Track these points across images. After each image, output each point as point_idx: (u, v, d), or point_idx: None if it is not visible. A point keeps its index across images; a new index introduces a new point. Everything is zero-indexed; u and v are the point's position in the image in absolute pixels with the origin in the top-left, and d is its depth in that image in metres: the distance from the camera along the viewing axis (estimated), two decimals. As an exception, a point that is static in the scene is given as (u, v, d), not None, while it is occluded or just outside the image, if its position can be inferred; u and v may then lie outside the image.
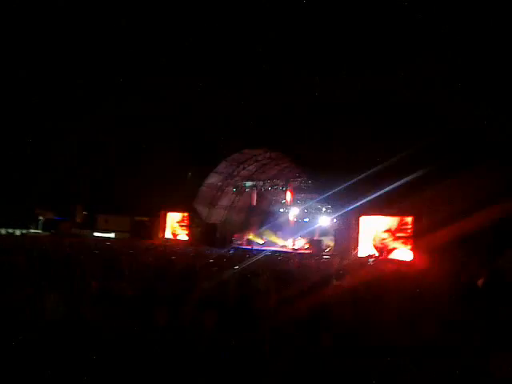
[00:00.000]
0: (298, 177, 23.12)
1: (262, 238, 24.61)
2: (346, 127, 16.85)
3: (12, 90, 23.03)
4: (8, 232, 22.84)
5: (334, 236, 20.47)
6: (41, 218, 28.61)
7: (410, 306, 2.66)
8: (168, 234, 26.80)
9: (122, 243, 17.40)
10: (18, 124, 25.11)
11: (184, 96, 22.62)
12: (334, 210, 20.32)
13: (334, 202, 19.21)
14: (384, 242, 18.02)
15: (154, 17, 20.40)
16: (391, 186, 14.81)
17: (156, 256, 10.20)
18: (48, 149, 26.94)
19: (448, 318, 2.61)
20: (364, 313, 2.85)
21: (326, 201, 20.32)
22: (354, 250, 18.58)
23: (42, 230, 27.50)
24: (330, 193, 17.60)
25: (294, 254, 17.10)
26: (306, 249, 21.62)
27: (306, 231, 23.05)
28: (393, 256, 17.17)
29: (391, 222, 17.94)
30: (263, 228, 25.11)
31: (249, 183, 25.29)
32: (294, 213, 24.25)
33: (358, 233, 18.86)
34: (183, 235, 25.93)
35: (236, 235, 24.33)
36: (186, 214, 26.13)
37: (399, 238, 17.69)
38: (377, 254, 17.35)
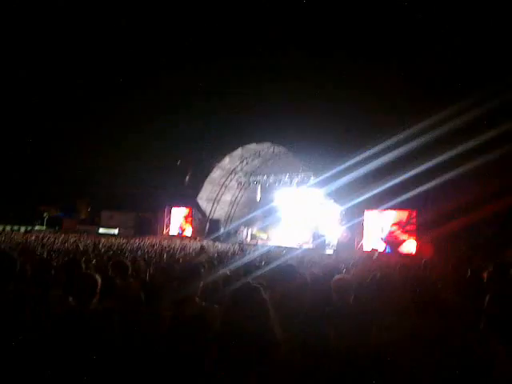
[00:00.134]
0: (302, 171, 23.05)
1: (265, 233, 24.62)
2: (349, 122, 16.77)
3: (11, 90, 23.11)
4: (13, 229, 22.99)
5: (339, 231, 20.42)
6: (45, 214, 28.76)
7: (412, 298, 2.63)
8: (173, 230, 26.85)
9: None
10: (21, 122, 25.20)
11: (186, 90, 22.61)
12: (338, 205, 20.23)
13: (338, 196, 19.13)
14: (388, 235, 18.00)
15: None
16: (396, 180, 14.72)
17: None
18: (52, 146, 27.03)
19: (451, 311, 2.57)
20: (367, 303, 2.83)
21: (330, 195, 20.23)
22: (359, 244, 18.57)
23: (47, 226, 27.66)
24: (334, 186, 17.53)
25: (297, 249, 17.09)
26: (309, 243, 21.59)
27: (309, 226, 23.00)
28: (398, 249, 17.15)
29: (395, 215, 17.89)
30: (267, 223, 25.10)
31: (252, 178, 25.27)
32: (297, 207, 24.21)
33: (362, 227, 18.83)
34: (188, 230, 26.02)
35: (240, 230, 24.34)
36: (189, 210, 26.20)
37: (404, 231, 17.66)
38: (381, 249, 17.32)
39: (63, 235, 16.12)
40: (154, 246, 13.51)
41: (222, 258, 8.69)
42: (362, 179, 15.78)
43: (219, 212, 26.39)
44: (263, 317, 1.83)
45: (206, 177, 24.67)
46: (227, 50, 20.76)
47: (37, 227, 26.31)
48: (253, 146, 23.43)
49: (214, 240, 21.68)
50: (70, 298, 2.67)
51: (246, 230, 24.20)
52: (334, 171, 16.86)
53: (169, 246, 13.39)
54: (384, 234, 18.12)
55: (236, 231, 24.02)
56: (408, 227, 17.53)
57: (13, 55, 21.86)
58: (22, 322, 2.35)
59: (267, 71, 20.03)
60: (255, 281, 3.67)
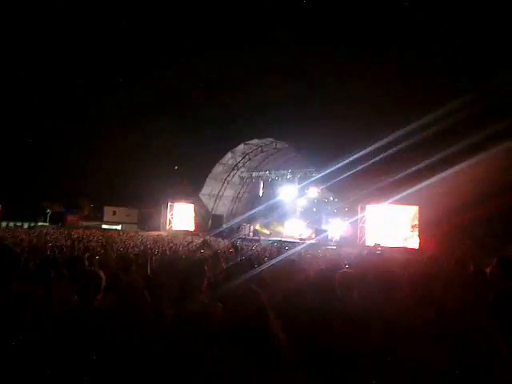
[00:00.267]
0: (305, 167, 22.99)
1: (268, 229, 24.61)
2: (351, 117, 16.70)
3: (11, 90, 23.14)
4: (16, 225, 23.08)
5: (341, 226, 20.42)
6: (48, 210, 28.83)
7: (416, 294, 2.62)
8: (176, 226, 26.88)
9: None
10: (24, 119, 25.24)
11: (188, 87, 22.57)
12: (340, 200, 20.23)
13: (340, 191, 19.11)
14: (391, 230, 17.97)
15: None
16: (398, 175, 14.67)
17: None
18: (53, 144, 27.08)
19: (453, 308, 2.56)
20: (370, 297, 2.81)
21: (333, 190, 20.21)
22: (362, 239, 18.56)
23: (50, 222, 27.73)
24: (336, 181, 17.50)
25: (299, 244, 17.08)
26: (312, 238, 21.57)
27: (312, 221, 22.98)
28: (400, 244, 17.12)
29: (399, 210, 17.85)
30: (270, 218, 25.10)
31: (255, 174, 25.24)
32: (300, 203, 24.19)
33: (364, 222, 18.83)
34: (191, 226, 26.06)
35: (242, 226, 24.34)
36: (192, 205, 26.22)
37: (407, 226, 17.63)
38: (384, 243, 17.29)
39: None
40: (157, 241, 13.54)
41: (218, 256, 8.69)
42: (364, 174, 15.74)
43: (222, 208, 26.41)
44: (263, 321, 1.82)
45: (209, 173, 24.66)
46: (228, 46, 20.69)
47: (40, 223, 26.40)
48: (255, 142, 23.38)
49: (217, 236, 21.69)
50: (75, 296, 2.65)
51: (248, 225, 24.19)
52: (336, 166, 16.81)
53: (172, 242, 13.41)
54: (387, 229, 18.10)
55: (238, 227, 24.02)
56: (411, 222, 17.50)
57: (13, 55, 21.86)
58: (22, 321, 2.34)
59: (269, 67, 19.97)
60: (257, 276, 3.65)
